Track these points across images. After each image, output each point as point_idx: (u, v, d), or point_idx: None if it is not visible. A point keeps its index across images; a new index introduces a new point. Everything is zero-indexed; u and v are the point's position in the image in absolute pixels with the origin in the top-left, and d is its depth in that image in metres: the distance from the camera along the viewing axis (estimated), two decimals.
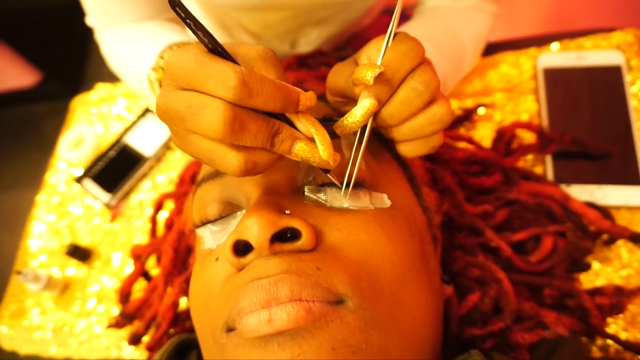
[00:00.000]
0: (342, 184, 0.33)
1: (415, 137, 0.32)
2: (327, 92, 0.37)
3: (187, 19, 0.26)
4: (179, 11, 0.25)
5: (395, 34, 0.31)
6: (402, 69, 0.30)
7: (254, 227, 0.29)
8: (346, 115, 0.31)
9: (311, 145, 0.29)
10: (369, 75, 0.29)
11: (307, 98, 0.29)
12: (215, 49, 0.27)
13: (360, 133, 0.33)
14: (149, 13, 0.55)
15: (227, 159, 0.28)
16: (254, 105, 0.27)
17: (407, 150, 0.34)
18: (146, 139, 0.73)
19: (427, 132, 0.32)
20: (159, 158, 0.72)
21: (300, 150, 0.29)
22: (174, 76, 0.28)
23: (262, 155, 0.29)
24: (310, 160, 0.29)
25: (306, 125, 0.29)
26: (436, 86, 0.30)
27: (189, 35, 0.53)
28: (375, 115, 0.31)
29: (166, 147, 0.72)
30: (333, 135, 0.35)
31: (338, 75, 0.34)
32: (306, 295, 0.27)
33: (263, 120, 0.27)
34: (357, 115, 0.30)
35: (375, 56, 0.32)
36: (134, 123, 0.74)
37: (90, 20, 0.58)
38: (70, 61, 1.90)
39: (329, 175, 0.33)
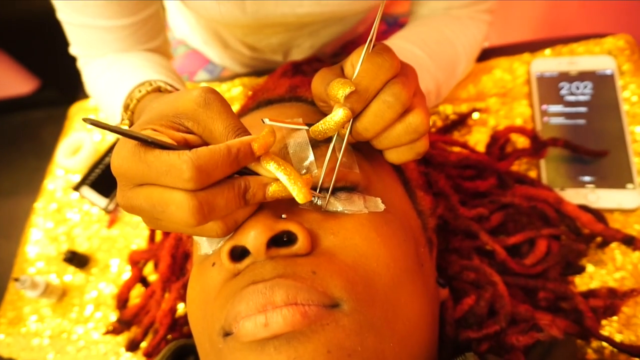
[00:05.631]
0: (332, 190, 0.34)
1: (395, 146, 0.34)
2: (313, 96, 0.38)
3: (110, 130, 0.26)
4: (99, 125, 0.25)
5: (375, 45, 0.32)
6: (377, 81, 0.31)
7: (251, 232, 0.29)
8: (321, 121, 0.32)
9: (282, 183, 0.29)
10: (340, 94, 0.31)
11: (262, 143, 0.29)
12: (152, 143, 0.27)
13: (335, 143, 0.34)
14: (132, 43, 0.56)
15: (208, 231, 0.29)
16: (214, 181, 0.27)
17: (393, 157, 0.35)
18: None
19: (405, 141, 0.33)
20: None
21: (274, 192, 0.29)
22: (125, 177, 0.28)
23: (239, 213, 0.30)
24: (288, 196, 0.30)
25: (268, 171, 0.29)
26: (406, 97, 0.31)
27: (165, 66, 0.55)
28: (352, 128, 0.33)
29: None
30: (326, 139, 0.35)
31: (320, 83, 0.35)
32: (302, 299, 0.28)
33: (228, 189, 0.28)
34: (330, 123, 0.31)
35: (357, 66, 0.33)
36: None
37: (73, 50, 0.59)
38: (68, 68, 1.88)
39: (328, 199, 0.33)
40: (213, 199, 0.27)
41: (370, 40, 0.31)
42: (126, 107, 0.47)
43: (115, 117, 0.52)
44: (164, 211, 0.27)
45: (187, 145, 0.29)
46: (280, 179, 0.29)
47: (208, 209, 0.27)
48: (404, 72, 0.33)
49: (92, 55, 0.58)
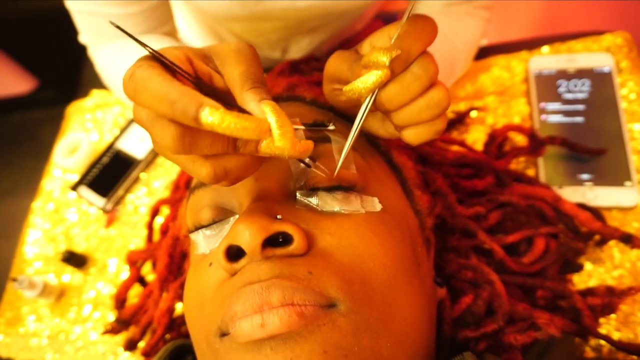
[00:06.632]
0: (332, 188, 0.33)
1: (414, 122, 0.32)
2: (324, 80, 0.37)
3: (138, 41, 0.26)
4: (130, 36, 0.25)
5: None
6: (419, 43, 0.30)
7: (246, 233, 0.29)
8: (358, 79, 0.31)
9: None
10: (384, 58, 0.29)
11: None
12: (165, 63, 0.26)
13: (334, 143, 0.33)
14: (142, 29, 0.56)
15: (197, 169, 0.28)
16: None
17: (411, 135, 0.33)
18: (138, 142, 0.74)
19: (425, 117, 0.32)
20: (150, 161, 0.73)
21: (266, 147, 0.27)
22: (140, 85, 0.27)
23: (231, 160, 0.28)
24: (280, 154, 0.27)
25: (262, 111, 0.27)
26: (435, 71, 0.30)
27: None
28: (376, 97, 0.31)
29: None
30: (323, 140, 0.35)
31: (341, 62, 0.34)
32: (298, 299, 0.27)
33: None
34: (368, 81, 0.30)
35: (381, 43, 0.32)
36: (125, 128, 0.75)
37: (83, 38, 0.59)
38: (66, 68, 1.89)
39: (313, 169, 0.33)
40: (198, 131, 0.25)
41: (410, 10, 0.30)
42: None
43: None
44: (152, 128, 0.26)
45: (210, 81, 0.29)
46: (271, 123, 0.26)
47: (189, 140, 0.25)
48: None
49: (102, 42, 0.58)
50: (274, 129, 0.26)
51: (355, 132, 0.33)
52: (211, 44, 0.30)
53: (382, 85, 0.30)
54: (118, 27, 0.25)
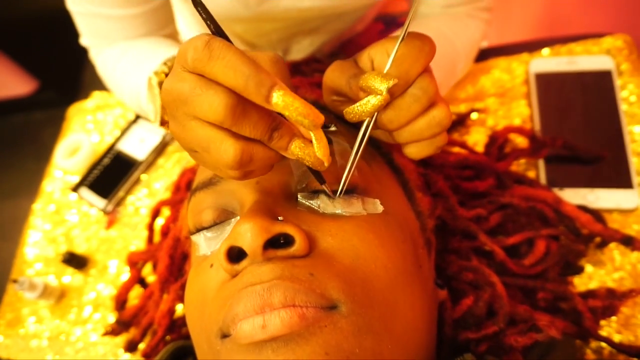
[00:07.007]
0: (334, 192, 0.34)
1: (415, 140, 0.33)
2: (323, 90, 0.37)
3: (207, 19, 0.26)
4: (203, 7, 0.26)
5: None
6: (418, 64, 0.30)
7: (247, 234, 0.29)
8: (358, 103, 0.31)
9: (307, 144, 0.29)
10: (382, 87, 0.30)
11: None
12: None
13: (336, 145, 0.33)
14: (144, 31, 0.56)
15: (224, 147, 0.27)
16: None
17: (413, 152, 0.34)
18: (138, 143, 0.74)
19: (426, 135, 0.32)
20: (151, 162, 0.73)
21: (296, 147, 0.28)
22: (184, 59, 0.26)
23: (259, 149, 0.28)
24: (305, 159, 0.29)
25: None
26: (434, 91, 0.31)
27: None
28: (376, 118, 0.32)
29: (157, 151, 0.73)
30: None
31: (339, 74, 0.34)
32: (300, 301, 0.27)
33: (265, 111, 0.27)
34: (368, 105, 0.31)
35: (379, 59, 0.32)
36: (126, 130, 0.75)
37: (84, 41, 0.58)
38: (67, 69, 1.90)
39: (323, 186, 0.33)
40: (250, 107, 0.26)
41: (404, 32, 0.30)
42: (161, 73, 0.48)
43: (138, 95, 0.52)
44: (202, 94, 0.26)
45: None
46: (312, 134, 0.28)
47: (241, 111, 0.26)
48: (428, 68, 0.32)
49: (104, 44, 0.57)
50: (315, 140, 0.28)
51: (358, 152, 0.33)
52: (249, 51, 0.31)
53: (382, 108, 0.31)
54: (201, 3, 0.25)
